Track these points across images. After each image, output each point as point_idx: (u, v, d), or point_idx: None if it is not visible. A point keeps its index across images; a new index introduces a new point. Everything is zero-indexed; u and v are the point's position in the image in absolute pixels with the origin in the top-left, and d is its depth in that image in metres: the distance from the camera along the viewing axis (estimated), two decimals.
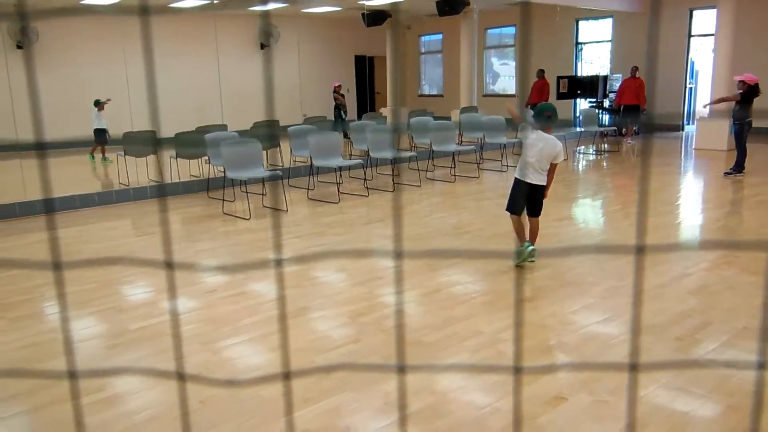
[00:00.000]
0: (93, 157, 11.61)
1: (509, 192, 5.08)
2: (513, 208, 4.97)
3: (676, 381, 3.10)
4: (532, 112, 5.21)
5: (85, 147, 11.60)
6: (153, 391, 3.17)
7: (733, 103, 8.82)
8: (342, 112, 14.50)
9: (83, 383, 3.23)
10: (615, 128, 13.77)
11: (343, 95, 14.75)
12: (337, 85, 14.74)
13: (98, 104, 11.41)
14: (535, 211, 4.93)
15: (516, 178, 5.08)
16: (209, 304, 4.39)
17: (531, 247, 4.92)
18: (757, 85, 8.52)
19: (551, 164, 4.87)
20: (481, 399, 3.00)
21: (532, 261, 4.99)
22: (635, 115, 13.40)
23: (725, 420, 2.80)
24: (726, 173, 8.93)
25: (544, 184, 4.88)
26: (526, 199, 4.90)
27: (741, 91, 8.65)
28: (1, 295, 4.70)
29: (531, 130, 4.91)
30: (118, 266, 5.35)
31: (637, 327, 3.80)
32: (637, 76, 13.29)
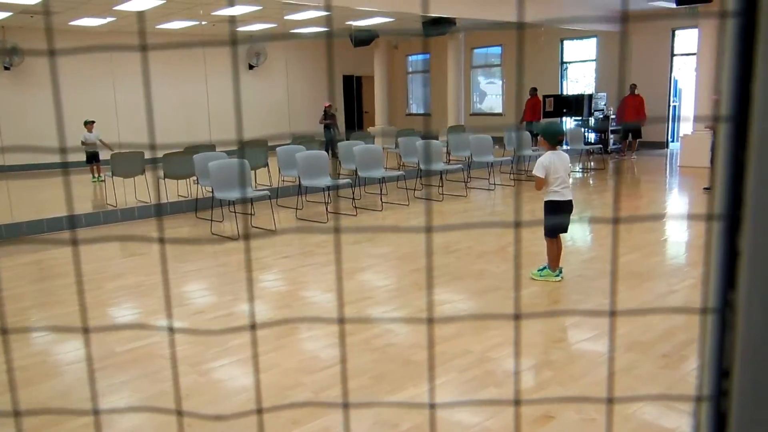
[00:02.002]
0: (96, 178, 11.66)
1: (545, 218, 5.05)
2: (553, 231, 5.06)
3: (664, 398, 3.12)
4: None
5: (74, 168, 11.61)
6: (141, 415, 3.15)
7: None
8: (332, 130, 14.57)
9: (67, 408, 3.20)
10: (600, 145, 13.93)
11: (333, 114, 14.82)
12: (327, 105, 14.81)
13: (87, 124, 11.48)
14: (566, 228, 5.12)
15: (552, 201, 5.01)
16: (197, 325, 4.38)
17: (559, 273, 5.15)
18: None
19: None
20: (469, 419, 3.01)
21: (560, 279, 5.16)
22: (637, 132, 13.66)
23: None
24: (706, 188, 9.11)
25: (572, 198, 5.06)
26: (566, 216, 5.05)
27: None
28: None
29: (544, 158, 4.97)
30: (103, 292, 5.33)
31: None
32: (636, 93, 13.55)
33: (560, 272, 5.15)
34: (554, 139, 5.02)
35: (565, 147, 14.09)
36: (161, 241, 1.03)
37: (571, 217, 5.09)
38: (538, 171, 4.96)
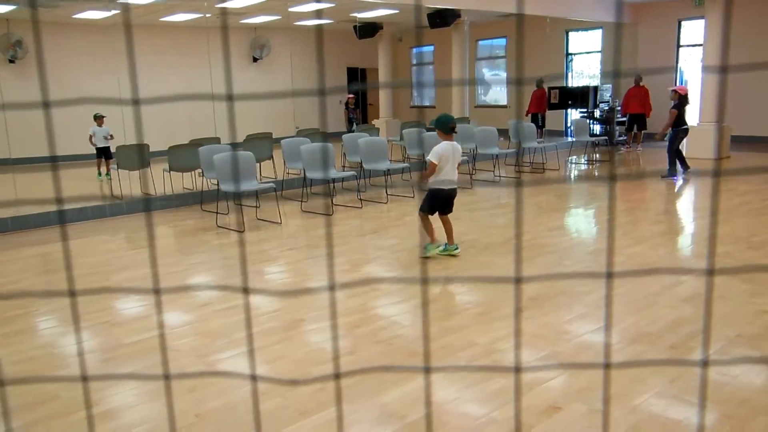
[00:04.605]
0: (101, 174, 11.25)
1: (427, 197, 5.64)
2: (431, 210, 5.61)
3: (670, 389, 3.12)
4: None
5: (79, 161, 11.60)
6: (149, 405, 3.17)
7: (675, 113, 9.63)
8: (355, 123, 14.72)
9: (77, 398, 3.22)
10: (606, 138, 13.89)
11: (356, 108, 15.01)
12: (350, 97, 14.97)
13: (97, 118, 11.12)
14: (450, 210, 5.65)
15: (437, 189, 5.50)
16: (203, 318, 4.39)
17: (456, 247, 5.67)
18: (686, 95, 9.60)
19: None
20: (476, 410, 3.01)
21: (458, 252, 5.68)
22: (642, 123, 13.62)
23: (719, 428, 2.82)
24: (663, 176, 9.72)
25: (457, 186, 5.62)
26: (447, 202, 5.60)
27: (674, 101, 9.55)
28: None
29: (439, 146, 5.43)
30: (123, 287, 5.35)
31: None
32: (641, 84, 13.49)
33: (446, 247, 5.63)
34: (446, 127, 5.46)
35: (570, 139, 14.09)
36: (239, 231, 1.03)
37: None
38: (433, 157, 5.42)
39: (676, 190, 9.28)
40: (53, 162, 12.52)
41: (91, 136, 11.04)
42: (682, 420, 2.87)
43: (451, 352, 3.68)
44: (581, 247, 6.17)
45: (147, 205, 8.51)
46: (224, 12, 13.22)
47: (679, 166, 9.80)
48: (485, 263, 5.52)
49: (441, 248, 5.64)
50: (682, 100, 9.49)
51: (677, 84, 14.73)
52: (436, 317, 4.25)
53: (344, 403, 3.08)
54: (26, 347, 3.99)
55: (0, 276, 5.66)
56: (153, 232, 6.02)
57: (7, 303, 4.80)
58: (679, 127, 9.53)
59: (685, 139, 10.04)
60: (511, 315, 4.23)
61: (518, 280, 1.31)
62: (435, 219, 5.71)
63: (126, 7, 11.44)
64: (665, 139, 9.84)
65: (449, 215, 5.66)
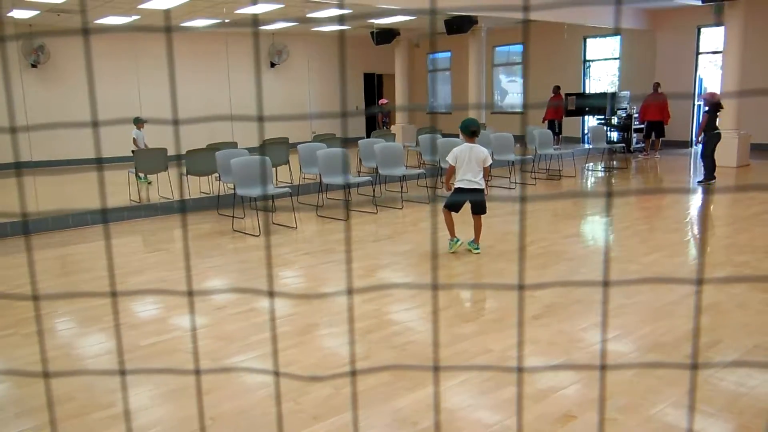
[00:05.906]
0: (142, 177, 10.84)
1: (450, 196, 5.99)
2: (453, 207, 5.94)
3: (686, 399, 3.09)
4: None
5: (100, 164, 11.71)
6: (163, 408, 3.19)
7: (706, 118, 9.84)
8: (387, 127, 14.98)
9: (93, 399, 3.25)
10: (623, 145, 13.79)
11: (389, 112, 15.27)
12: (384, 102, 15.24)
13: (138, 122, 11.07)
14: (478, 210, 5.92)
15: (458, 188, 5.82)
16: (218, 321, 4.42)
17: (477, 248, 5.95)
18: (717, 100, 9.71)
19: (483, 168, 5.78)
20: (489, 417, 3.00)
21: (478, 252, 5.95)
22: (660, 131, 13.52)
23: None
24: (700, 182, 9.91)
25: (482, 186, 5.81)
26: (470, 200, 5.87)
27: (707, 107, 9.73)
28: (15, 311, 4.75)
29: (456, 148, 5.79)
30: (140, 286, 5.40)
31: None
32: (660, 91, 13.39)
33: (469, 244, 5.97)
34: (467, 130, 5.81)
35: (587, 146, 14.01)
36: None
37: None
38: (449, 158, 5.80)
39: (695, 198, 9.19)
40: (99, 163, 12.69)
41: (135, 140, 11.06)
42: (698, 431, 2.84)
43: (465, 358, 3.66)
44: (598, 255, 6.13)
45: (181, 207, 8.59)
46: (255, 19, 13.34)
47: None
48: (500, 270, 5.50)
49: (459, 243, 5.94)
50: (712, 105, 9.60)
51: (699, 91, 14.62)
52: (450, 324, 4.24)
53: (357, 409, 3.08)
54: (45, 347, 4.04)
55: (20, 277, 5.74)
56: (187, 234, 6.08)
57: (27, 305, 4.86)
58: (710, 131, 9.67)
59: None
60: (526, 322, 4.22)
61: (521, 287, 1.30)
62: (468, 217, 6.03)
63: (167, 16, 11.56)
64: (700, 142, 10.00)
65: (482, 216, 5.97)
